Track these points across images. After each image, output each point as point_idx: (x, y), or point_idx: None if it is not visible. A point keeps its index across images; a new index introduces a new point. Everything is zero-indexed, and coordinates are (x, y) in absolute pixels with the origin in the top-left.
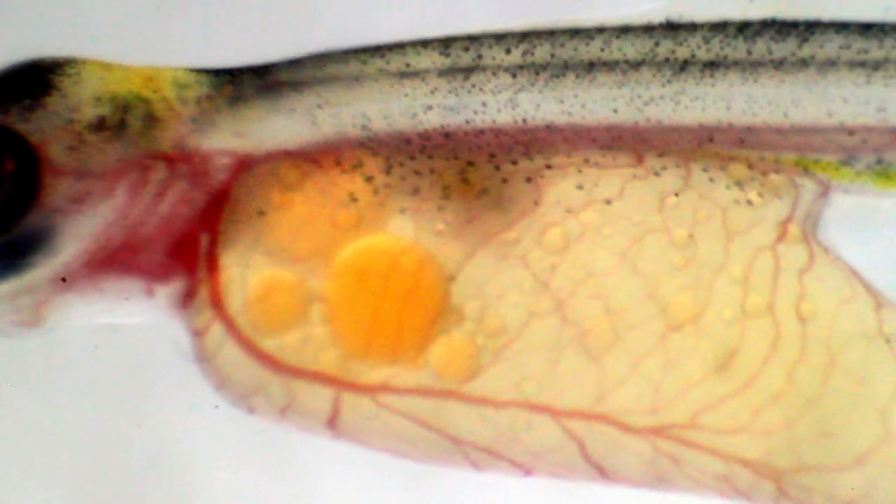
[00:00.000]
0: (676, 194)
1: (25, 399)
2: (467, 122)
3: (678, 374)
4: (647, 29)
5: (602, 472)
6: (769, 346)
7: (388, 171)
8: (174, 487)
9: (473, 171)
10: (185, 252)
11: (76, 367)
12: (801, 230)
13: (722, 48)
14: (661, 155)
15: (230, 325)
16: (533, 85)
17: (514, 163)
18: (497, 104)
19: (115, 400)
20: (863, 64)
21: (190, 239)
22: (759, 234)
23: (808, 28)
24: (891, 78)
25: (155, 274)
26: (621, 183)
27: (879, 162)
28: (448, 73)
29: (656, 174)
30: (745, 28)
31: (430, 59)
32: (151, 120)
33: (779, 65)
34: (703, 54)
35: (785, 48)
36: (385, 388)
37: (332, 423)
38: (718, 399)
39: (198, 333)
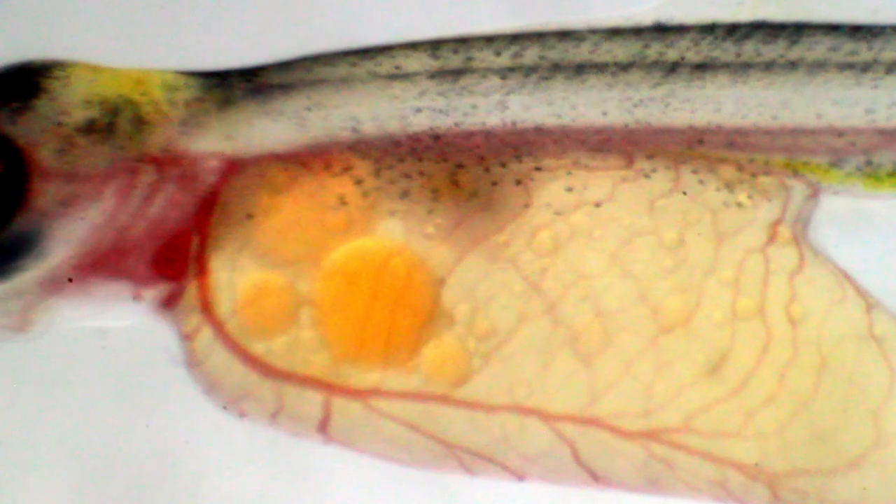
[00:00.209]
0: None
1: (25, 402)
2: (457, 124)
3: (670, 377)
4: (637, 31)
5: (594, 476)
6: (760, 349)
7: (377, 173)
8: (181, 488)
9: (463, 173)
10: (173, 255)
11: (79, 367)
12: (792, 232)
13: (711, 50)
14: (650, 157)
15: (219, 329)
16: (522, 87)
17: (504, 165)
18: (487, 106)
19: (121, 401)
20: (851, 66)
21: (179, 242)
22: (750, 236)
23: (797, 30)
24: (879, 80)
25: (144, 277)
26: (611, 185)
27: (868, 163)
28: (438, 75)
29: (646, 176)
30: (734, 30)
31: (419, 62)
32: (140, 123)
33: (768, 67)
34: (692, 57)
35: (774, 50)
36: (376, 392)
37: (323, 427)
38: (710, 402)
39: (187, 337)
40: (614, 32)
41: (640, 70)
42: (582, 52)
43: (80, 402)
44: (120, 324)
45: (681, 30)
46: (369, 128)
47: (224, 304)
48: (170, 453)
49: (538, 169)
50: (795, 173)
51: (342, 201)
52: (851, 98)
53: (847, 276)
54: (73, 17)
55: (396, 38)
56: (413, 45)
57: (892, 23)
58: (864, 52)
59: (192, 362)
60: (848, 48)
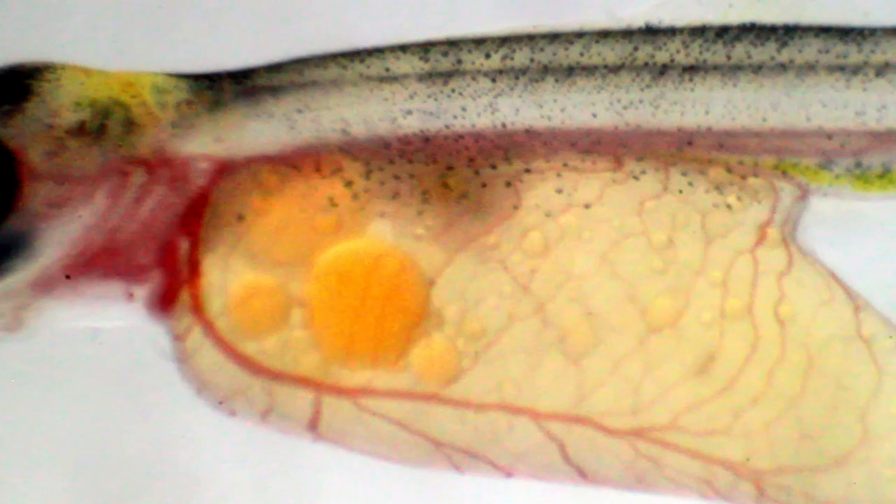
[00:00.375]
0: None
1: (17, 402)
2: (447, 126)
3: (658, 377)
4: (627, 33)
5: (582, 473)
6: (748, 349)
7: (367, 175)
8: (177, 487)
9: (453, 175)
10: (165, 256)
11: (72, 367)
12: (781, 233)
13: (701, 53)
14: (640, 159)
15: (210, 329)
16: (512, 89)
17: (494, 167)
18: (476, 109)
19: (114, 401)
20: (841, 68)
21: (170, 243)
22: (739, 237)
23: (787, 32)
24: (869, 82)
25: (135, 278)
26: (601, 187)
27: (858, 165)
28: (427, 77)
29: (635, 178)
30: (723, 32)
31: (409, 64)
32: (131, 125)
33: (758, 69)
34: (682, 59)
35: (764, 52)
36: (366, 391)
37: (313, 426)
38: (698, 401)
39: (178, 337)
40: (604, 35)
41: (629, 72)
42: (572, 55)
43: (73, 402)
44: (112, 324)
45: (671, 32)
46: (359, 130)
47: (215, 305)
48: (165, 452)
49: (528, 171)
50: (785, 175)
51: (332, 203)
52: (841, 100)
53: (836, 278)
54: (64, 20)
55: (389, 41)
56: (403, 48)
57: (882, 25)
58: (854, 54)
59: (184, 362)
60: (838, 50)
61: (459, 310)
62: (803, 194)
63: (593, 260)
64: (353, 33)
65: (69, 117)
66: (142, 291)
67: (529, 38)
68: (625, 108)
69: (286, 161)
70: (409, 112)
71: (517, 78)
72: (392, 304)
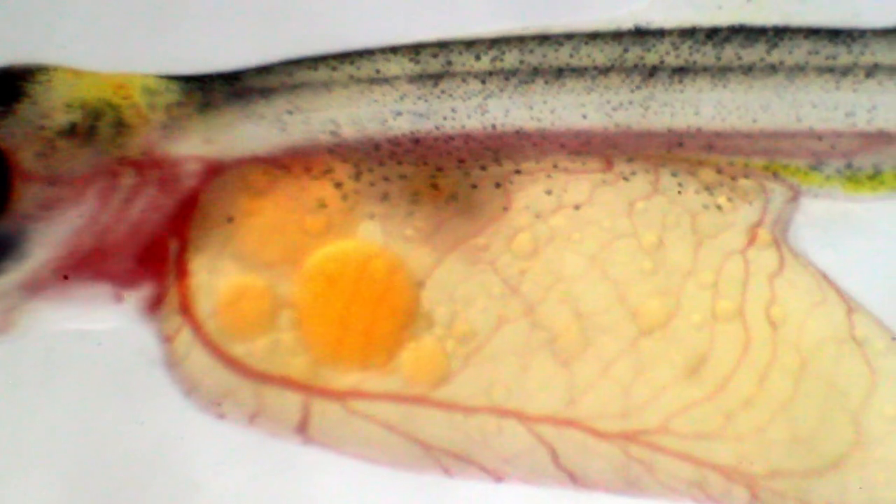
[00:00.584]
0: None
1: (8, 403)
2: (437, 128)
3: (649, 379)
4: (616, 35)
5: (573, 477)
6: (740, 351)
7: (357, 176)
8: (171, 488)
9: (443, 176)
10: (154, 258)
11: (61, 369)
12: (772, 235)
13: (691, 54)
14: (630, 160)
15: (199, 331)
16: (502, 91)
17: (484, 168)
18: (466, 110)
19: (103, 402)
20: (831, 69)
21: (159, 245)
22: (729, 238)
23: (777, 34)
24: (859, 83)
25: (124, 280)
26: (590, 188)
27: (849, 166)
28: (418, 79)
29: (625, 179)
30: (713, 34)
31: (399, 66)
32: (121, 126)
33: (747, 70)
34: (671, 60)
35: (754, 54)
36: (355, 393)
37: (302, 428)
38: (689, 404)
39: (167, 339)
40: (594, 36)
41: (619, 74)
42: (561, 56)
43: (63, 403)
44: (101, 326)
45: (660, 33)
46: (349, 131)
47: (204, 306)
48: (158, 453)
49: (518, 172)
50: (775, 176)
51: (322, 204)
52: (831, 101)
53: (827, 279)
54: (55, 22)
55: (381, 42)
56: (393, 49)
57: (872, 26)
58: (843, 55)
59: (172, 363)
60: (828, 52)
61: (449, 312)
62: (794, 195)
63: (583, 261)
64: (348, 34)
65: (60, 119)
66: (131, 293)
67: (519, 40)
68: (614, 109)
69: (276, 162)
70: (399, 113)
71: (507, 79)
72: (381, 306)
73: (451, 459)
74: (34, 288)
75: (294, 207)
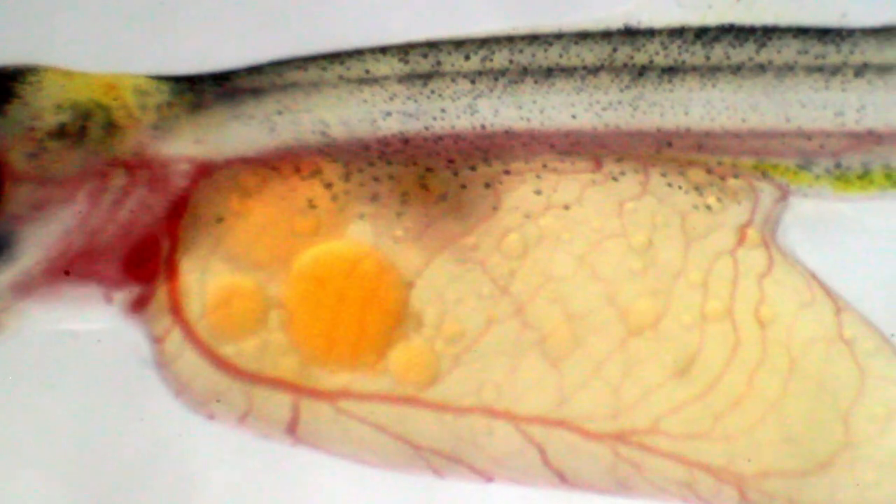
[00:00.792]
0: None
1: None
2: (426, 128)
3: (638, 380)
4: (606, 35)
5: (563, 477)
6: (729, 351)
7: (346, 177)
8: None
9: (432, 176)
10: (144, 258)
11: (51, 370)
12: (761, 234)
13: (680, 54)
14: (619, 160)
15: (189, 332)
16: (492, 91)
17: (473, 168)
18: (456, 110)
19: (95, 403)
20: (820, 69)
21: (149, 245)
22: (719, 238)
23: (766, 33)
24: (848, 82)
25: (114, 280)
26: (580, 188)
27: (838, 166)
28: (407, 79)
29: (615, 179)
30: (702, 34)
31: (389, 66)
32: (112, 127)
33: (737, 70)
34: (661, 60)
35: (743, 53)
36: (345, 394)
37: (292, 429)
38: (679, 404)
39: (157, 339)
40: (583, 36)
41: (608, 73)
42: (551, 56)
43: (56, 404)
44: (92, 326)
45: (649, 33)
46: (339, 132)
47: (194, 307)
48: (156, 452)
49: (507, 172)
50: (764, 176)
51: (311, 205)
52: (820, 101)
53: (816, 279)
54: (45, 23)
55: (370, 42)
56: (382, 50)
57: (860, 26)
58: (832, 54)
59: (162, 364)
60: (817, 51)
61: (438, 312)
62: (783, 195)
63: (573, 261)
64: (334, 35)
65: (50, 119)
66: (121, 293)
67: (508, 40)
68: (604, 109)
69: (266, 163)
70: (389, 114)
71: (496, 79)
72: (371, 307)
73: (441, 460)
74: (25, 289)
75: (284, 208)
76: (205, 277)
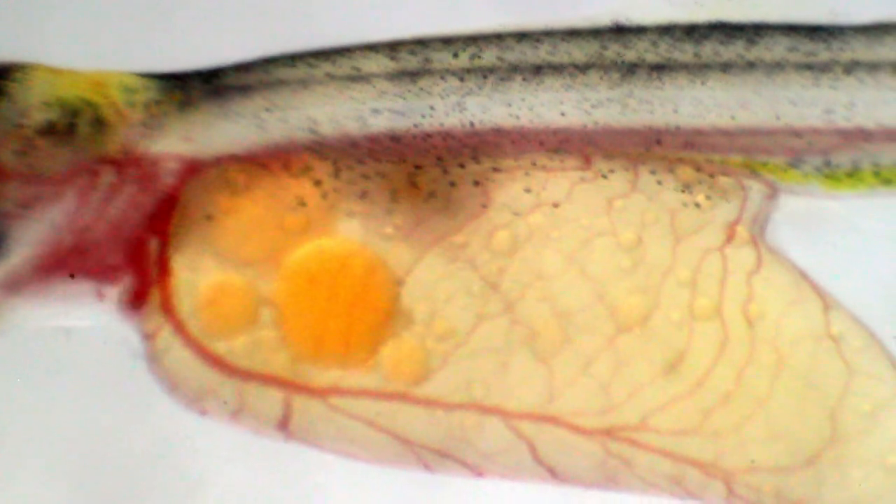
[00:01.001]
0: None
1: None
2: (415, 125)
3: (627, 376)
4: (595, 32)
5: (553, 473)
6: (718, 348)
7: (336, 174)
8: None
9: (422, 174)
10: (134, 256)
11: (43, 367)
12: (749, 232)
13: (669, 51)
14: (608, 158)
15: (180, 329)
16: (481, 89)
17: (462, 166)
18: (445, 108)
19: (86, 401)
20: (810, 66)
21: (139, 243)
22: (707, 236)
23: (756, 31)
24: (838, 80)
25: (105, 278)
26: (569, 186)
27: (827, 164)
28: (396, 77)
29: (604, 177)
30: (692, 31)
31: (378, 63)
32: (100, 124)
33: (726, 67)
34: (650, 57)
35: (732, 51)
36: (336, 390)
37: (284, 425)
38: (668, 400)
39: (148, 336)
40: (572, 34)
41: (598, 71)
42: (540, 54)
43: (46, 401)
44: (83, 323)
45: (639, 31)
46: (328, 129)
47: (185, 304)
48: (145, 451)
49: (496, 170)
50: (754, 173)
51: (301, 202)
52: (810, 98)
53: (805, 276)
54: (34, 20)
55: (359, 39)
56: (371, 47)
57: (850, 23)
58: (822, 52)
59: (154, 361)
60: (806, 49)
61: (428, 309)
62: (772, 193)
63: (562, 259)
64: (323, 32)
65: (38, 117)
66: (112, 291)
67: (498, 38)
68: (593, 106)
69: (255, 160)
70: (378, 111)
71: (485, 77)
72: (361, 304)
73: (431, 455)
74: (15, 286)
75: (273, 205)
76: (195, 275)
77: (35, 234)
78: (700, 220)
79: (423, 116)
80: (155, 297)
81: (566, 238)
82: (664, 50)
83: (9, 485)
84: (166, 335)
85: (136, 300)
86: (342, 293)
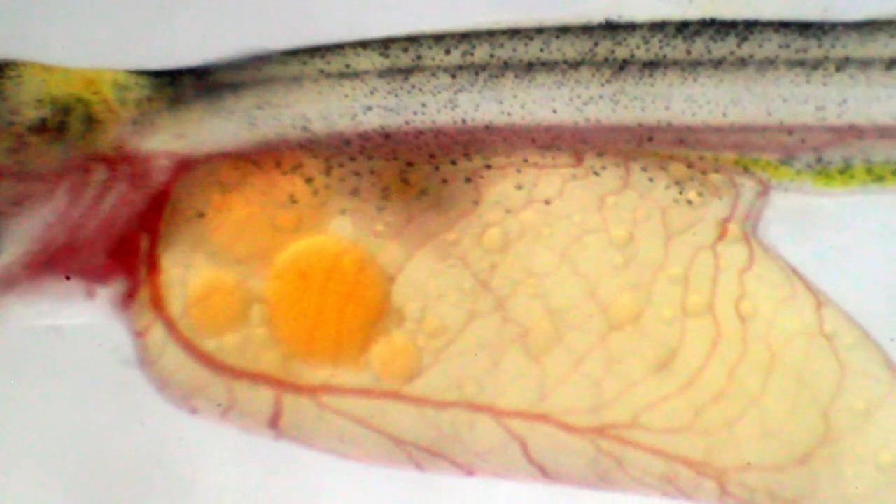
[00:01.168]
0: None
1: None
2: (407, 122)
3: (619, 374)
4: (587, 29)
5: (544, 471)
6: (710, 346)
7: (327, 172)
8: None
9: (413, 171)
10: (125, 253)
11: (35, 364)
12: (741, 229)
13: (661, 48)
14: (600, 155)
15: (171, 327)
16: (472, 85)
17: (454, 163)
18: (436, 105)
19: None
20: (801, 63)
21: (130, 240)
22: (699, 233)
23: (747, 27)
24: (829, 77)
25: (96, 275)
26: (561, 183)
27: (819, 161)
28: (388, 73)
29: (596, 174)
30: (684, 28)
31: (369, 60)
32: (92, 122)
33: (718, 64)
34: (642, 54)
35: (724, 47)
36: (326, 388)
37: (274, 423)
38: (660, 398)
39: (139, 334)
40: (564, 30)
41: (589, 68)
42: (532, 51)
43: (37, 399)
44: (74, 321)
45: (630, 27)
46: (319, 126)
47: (175, 302)
48: (138, 449)
49: (488, 167)
50: (746, 170)
51: (293, 199)
52: (802, 95)
53: (797, 274)
54: (25, 18)
55: (350, 36)
56: (363, 44)
57: (842, 20)
58: (814, 49)
59: (144, 359)
60: (798, 45)
61: (419, 307)
62: (764, 190)
63: (554, 256)
64: (314, 29)
65: (30, 114)
66: (103, 289)
67: (489, 34)
68: (585, 103)
69: (246, 157)
70: (370, 108)
71: (477, 74)
72: (352, 302)
73: (422, 454)
74: (6, 284)
75: (265, 203)
76: (186, 272)
77: (26, 231)
78: (692, 217)
79: (415, 113)
80: (145, 294)
81: (558, 235)
82: (656, 47)
83: (3, 481)
84: (157, 333)
85: (128, 298)
86: (333, 291)
